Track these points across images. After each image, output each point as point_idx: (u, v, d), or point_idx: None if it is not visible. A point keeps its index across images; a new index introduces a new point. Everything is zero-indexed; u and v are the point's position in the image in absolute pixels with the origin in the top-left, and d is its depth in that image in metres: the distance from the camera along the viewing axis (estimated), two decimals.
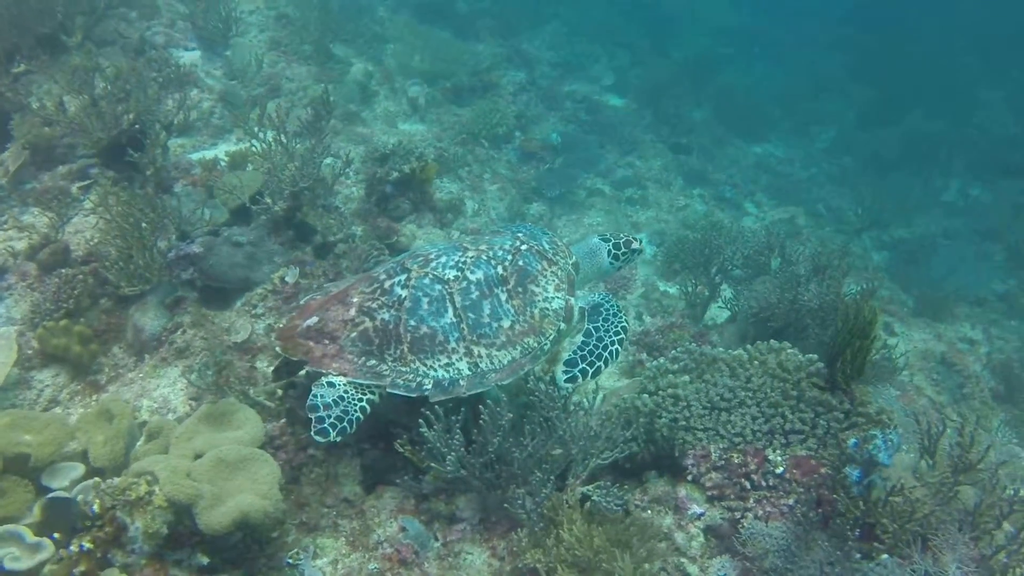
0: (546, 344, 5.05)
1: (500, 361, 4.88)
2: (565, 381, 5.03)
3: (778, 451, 5.44)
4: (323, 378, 4.75)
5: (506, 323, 4.90)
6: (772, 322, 7.47)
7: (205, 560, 4.25)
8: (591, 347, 5.15)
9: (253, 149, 7.50)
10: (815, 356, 5.84)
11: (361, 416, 4.72)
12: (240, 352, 6.20)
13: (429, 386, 4.73)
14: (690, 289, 8.66)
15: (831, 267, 7.77)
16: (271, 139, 7.55)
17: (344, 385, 4.73)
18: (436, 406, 4.67)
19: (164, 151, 7.69)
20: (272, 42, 11.72)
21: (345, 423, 4.63)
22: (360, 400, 4.73)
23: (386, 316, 4.81)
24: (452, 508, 5.36)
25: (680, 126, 15.69)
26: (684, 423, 5.73)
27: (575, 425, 5.05)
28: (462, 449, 4.88)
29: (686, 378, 6.01)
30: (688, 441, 5.67)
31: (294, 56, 11.63)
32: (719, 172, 14.79)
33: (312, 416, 4.60)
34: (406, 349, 4.75)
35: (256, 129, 7.96)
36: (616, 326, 5.24)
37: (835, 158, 17.93)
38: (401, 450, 5.04)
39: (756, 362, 6.00)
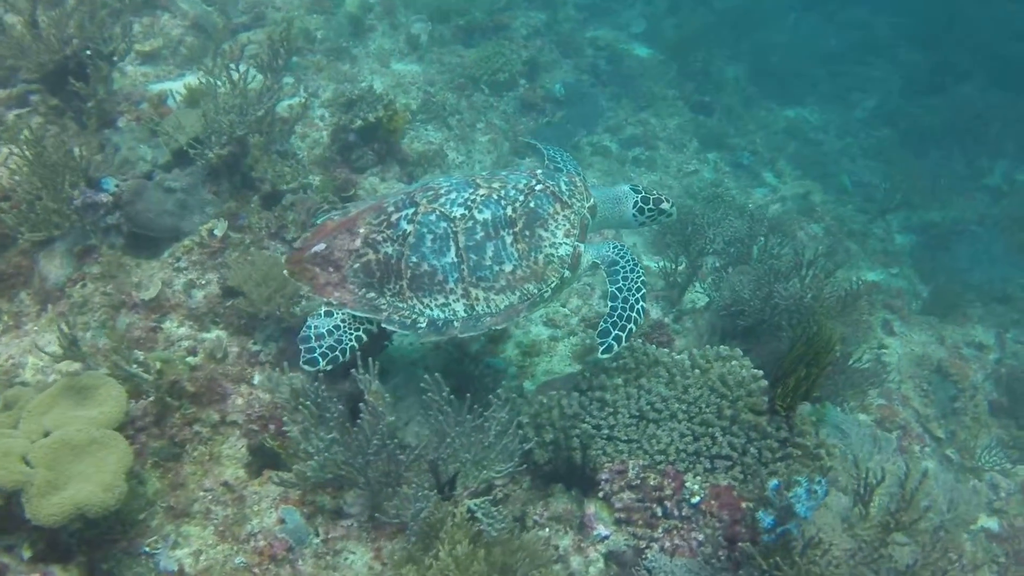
0: (547, 292, 4.98)
1: (497, 305, 4.86)
2: (602, 353, 4.91)
3: (699, 477, 4.92)
4: (321, 308, 4.90)
5: (508, 267, 4.85)
6: (742, 319, 6.84)
7: (27, 554, 3.90)
8: (619, 312, 5.01)
9: (205, 86, 6.99)
10: (760, 373, 5.26)
11: (356, 346, 4.84)
12: (147, 311, 5.81)
13: (423, 324, 4.77)
14: (670, 268, 8.00)
15: (816, 264, 7.04)
16: (221, 77, 7.01)
17: (340, 317, 4.87)
18: (315, 396, 4.55)
19: (107, 82, 7.20)
20: None
21: (338, 352, 4.80)
22: (356, 331, 4.89)
23: (389, 250, 4.80)
24: (339, 502, 4.99)
25: (707, 83, 14.71)
26: (607, 432, 5.24)
27: (465, 432, 4.59)
28: (338, 447, 4.47)
29: (619, 380, 5.48)
30: (608, 453, 5.18)
31: None
32: (740, 136, 13.88)
33: (303, 347, 4.76)
34: (405, 285, 4.78)
35: (210, 64, 7.43)
36: (637, 281, 5.11)
37: (874, 129, 16.79)
38: (270, 444, 4.64)
39: (698, 371, 5.44)
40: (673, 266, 8.08)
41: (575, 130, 10.87)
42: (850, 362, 7.15)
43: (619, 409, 5.30)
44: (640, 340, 5.64)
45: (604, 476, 5.06)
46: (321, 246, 4.95)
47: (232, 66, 7.24)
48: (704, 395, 5.27)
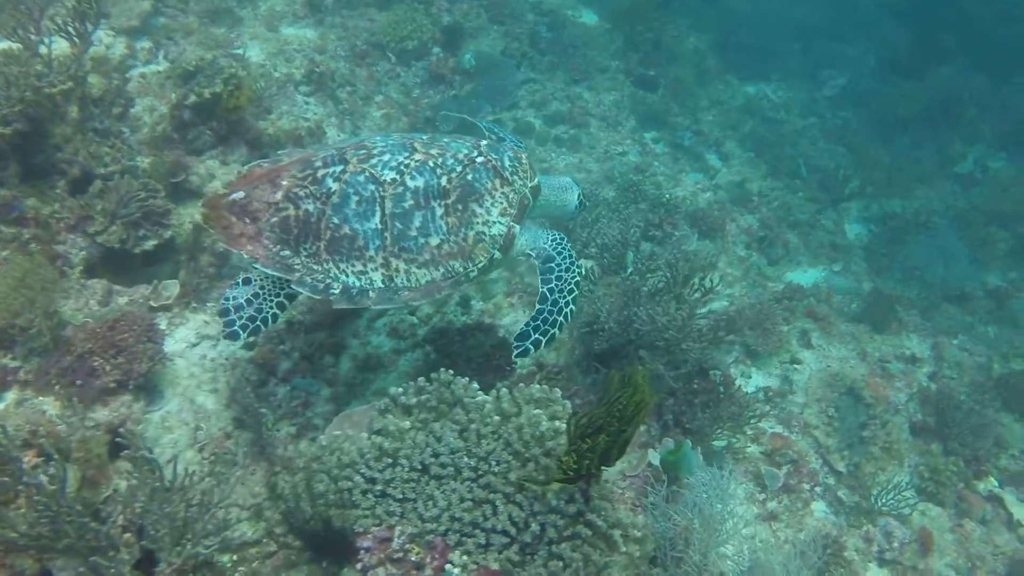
0: (473, 271, 4.77)
1: (417, 280, 4.66)
2: (516, 356, 4.82)
3: (467, 556, 4.03)
4: (239, 277, 4.84)
5: (434, 240, 4.64)
6: (598, 342, 5.93)
7: None
8: (544, 315, 4.89)
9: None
10: (561, 427, 4.35)
11: (279, 312, 4.78)
12: None
13: (336, 290, 4.56)
14: None
15: (693, 281, 6.09)
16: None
17: (259, 283, 4.76)
18: None
19: None
20: None
21: (259, 322, 4.71)
22: (277, 297, 4.77)
23: (310, 207, 4.55)
24: (45, 565, 4.13)
25: (657, 55, 13.58)
26: (382, 487, 4.36)
27: (157, 499, 3.72)
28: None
29: (407, 423, 4.59)
30: (376, 514, 4.31)
31: None
32: (685, 115, 12.80)
33: (222, 321, 4.70)
34: (323, 247, 4.54)
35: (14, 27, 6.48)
36: (571, 283, 4.96)
37: (841, 109, 15.67)
38: None
39: (498, 417, 4.53)
40: None
41: (481, 105, 9.84)
42: (729, 391, 6.23)
43: (400, 460, 4.42)
44: (465, 377, 4.72)
45: (365, 544, 4.19)
46: (240, 194, 4.61)
47: (31, 29, 6.28)
48: (497, 450, 4.38)
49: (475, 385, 4.80)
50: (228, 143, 7.28)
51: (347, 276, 4.58)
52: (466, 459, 4.37)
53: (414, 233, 4.60)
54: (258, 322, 4.71)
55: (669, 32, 14.73)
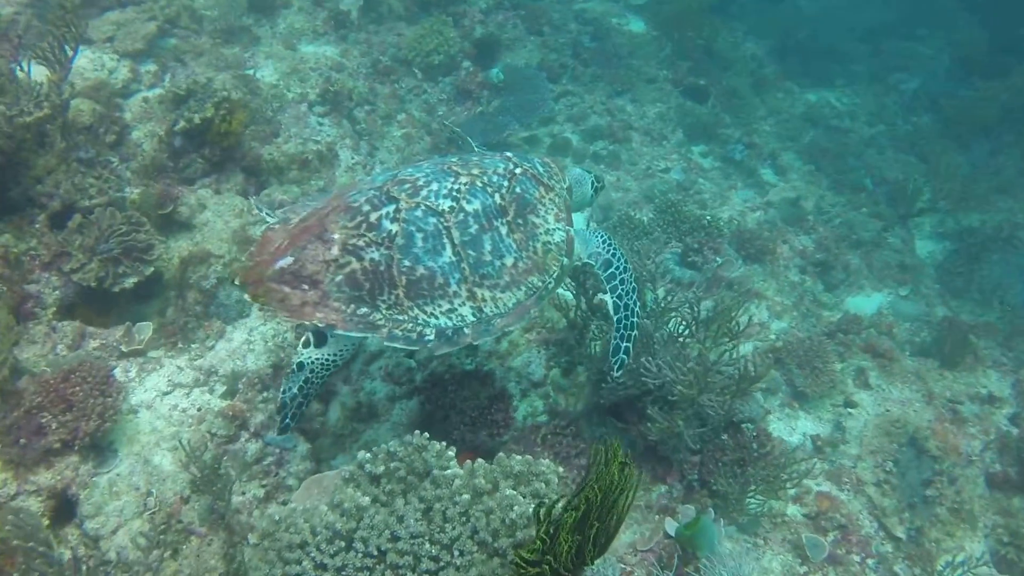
0: (551, 282, 4.58)
1: (505, 304, 4.41)
2: (617, 370, 4.72)
3: None
4: (293, 360, 4.60)
5: (509, 260, 4.44)
6: (603, 394, 5.22)
7: None
8: (624, 322, 4.78)
9: None
10: (530, 512, 3.68)
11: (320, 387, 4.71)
12: None
13: (431, 336, 4.22)
14: (576, 303, 6.29)
15: (719, 322, 5.32)
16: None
17: (311, 362, 4.54)
18: None
19: None
20: None
21: (304, 406, 4.64)
22: (324, 377, 4.64)
23: (375, 255, 4.21)
24: None
25: (708, 63, 12.73)
26: None
27: None
28: None
29: (366, 500, 3.99)
30: None
31: None
32: (738, 126, 11.92)
33: (279, 414, 4.57)
34: (402, 294, 4.21)
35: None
36: (631, 282, 4.86)
37: (912, 114, 14.49)
38: None
39: (467, 496, 3.89)
40: (575, 301, 6.39)
41: (507, 122, 9.20)
42: (765, 449, 5.43)
43: (355, 543, 3.82)
44: (441, 442, 4.12)
45: None
46: (287, 260, 4.18)
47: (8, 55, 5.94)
48: (462, 538, 3.73)
49: (451, 453, 4.18)
50: (223, 170, 6.85)
51: (437, 318, 4.24)
52: (428, 546, 3.74)
53: (489, 257, 4.37)
54: (304, 407, 4.64)
55: (723, 38, 13.88)
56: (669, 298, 5.59)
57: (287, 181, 7.35)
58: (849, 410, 7.17)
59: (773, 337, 7.82)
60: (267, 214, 4.85)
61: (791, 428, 6.92)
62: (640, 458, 5.60)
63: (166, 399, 5.39)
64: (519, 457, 4.06)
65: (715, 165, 11.23)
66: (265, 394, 5.73)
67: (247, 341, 6.14)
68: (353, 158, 8.32)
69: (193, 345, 6.03)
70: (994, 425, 7.73)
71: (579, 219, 7.35)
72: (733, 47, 14.08)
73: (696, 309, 5.32)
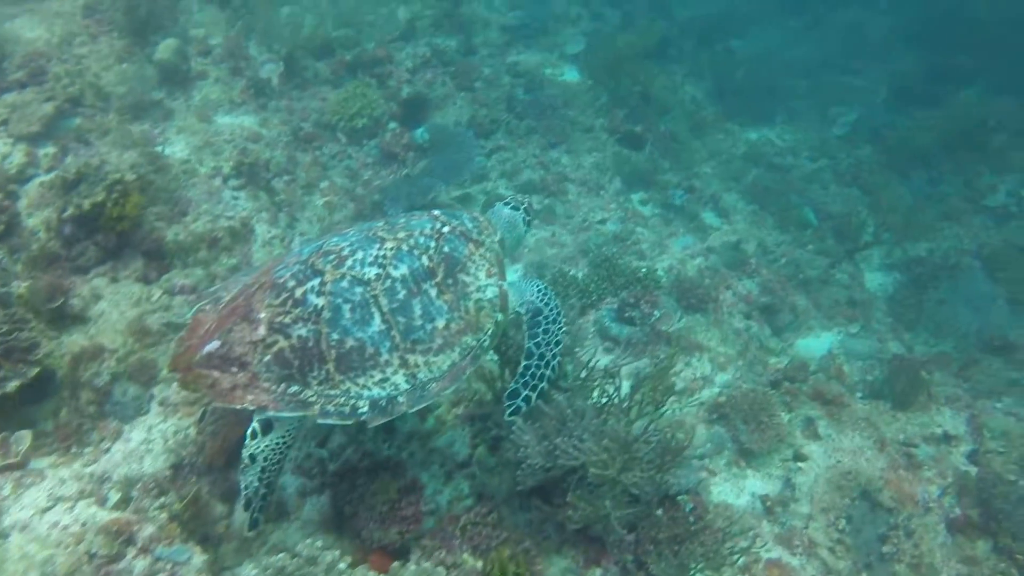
0: (485, 340, 4.53)
1: (440, 367, 4.35)
2: (509, 415, 4.56)
3: None
4: (244, 453, 4.36)
5: (440, 323, 4.39)
6: (521, 479, 4.83)
7: None
8: (532, 369, 4.62)
9: None
10: None
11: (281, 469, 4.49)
12: None
13: (365, 408, 4.16)
14: (500, 374, 5.90)
15: (643, 390, 4.98)
16: None
17: (262, 451, 4.32)
18: None
19: None
20: (87, 8, 9.42)
21: (269, 497, 4.50)
22: (279, 463, 4.43)
23: (303, 332, 4.18)
24: None
25: (646, 109, 12.61)
26: None
27: None
28: None
29: None
30: None
31: (109, 27, 9.32)
32: (678, 171, 11.76)
33: (246, 511, 4.42)
34: (332, 368, 4.17)
35: None
36: (558, 334, 4.73)
37: (854, 147, 14.48)
38: None
39: None
40: (499, 372, 6.01)
41: (433, 183, 8.92)
42: (703, 522, 5.05)
43: None
44: (335, 551, 3.70)
45: None
46: (215, 344, 4.19)
47: None
48: None
49: (342, 565, 3.76)
50: (120, 256, 6.46)
51: (370, 389, 4.19)
52: None
53: (419, 322, 4.32)
54: (268, 497, 4.49)
55: (660, 83, 13.82)
56: (590, 367, 5.23)
57: (195, 262, 6.96)
58: (799, 464, 6.83)
59: (716, 391, 7.49)
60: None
61: (738, 489, 6.56)
62: (571, 541, 5.20)
63: (45, 516, 4.91)
64: (414, 567, 3.66)
65: (655, 212, 11.02)
66: (163, 499, 5.28)
67: (146, 441, 5.70)
68: (270, 231, 7.96)
69: (87, 449, 5.58)
70: (951, 466, 7.44)
71: (513, 274, 7.09)
72: (671, 92, 14.03)
73: (617, 379, 4.97)
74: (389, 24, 12.28)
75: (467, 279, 4.55)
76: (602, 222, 9.94)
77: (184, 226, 7.25)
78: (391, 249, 4.44)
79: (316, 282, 4.27)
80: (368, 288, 4.28)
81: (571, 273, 8.48)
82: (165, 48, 9.03)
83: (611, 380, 5.01)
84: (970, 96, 15.05)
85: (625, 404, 4.92)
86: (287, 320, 4.19)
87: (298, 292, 4.26)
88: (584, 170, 10.99)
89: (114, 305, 6.19)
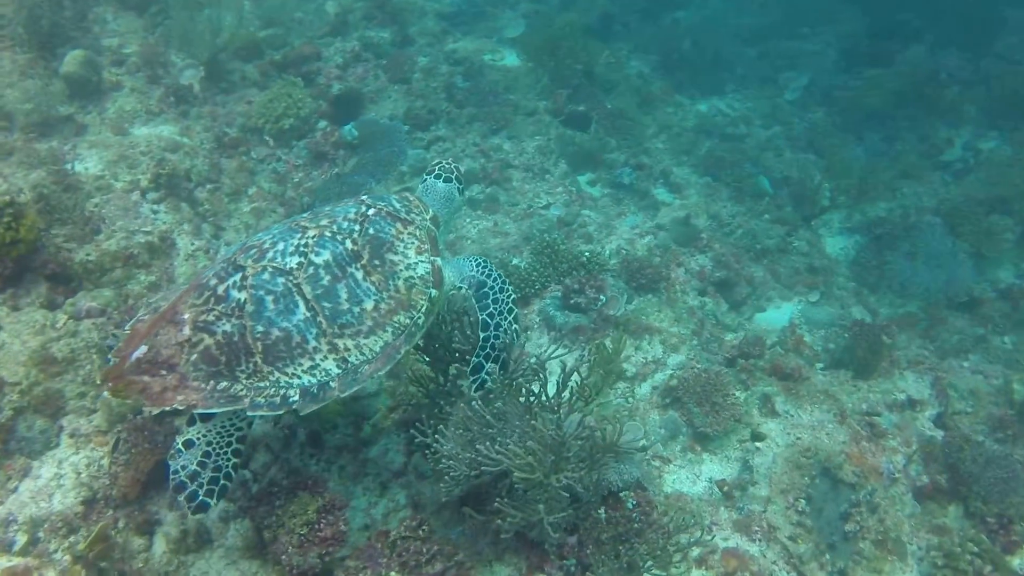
0: (419, 317, 4.49)
1: (371, 349, 4.32)
2: (475, 390, 4.62)
3: None
4: (176, 441, 4.33)
5: (369, 304, 4.35)
6: (445, 486, 4.49)
7: None
8: (492, 340, 4.72)
9: None
10: None
11: (237, 461, 4.39)
12: None
13: (295, 397, 4.16)
14: (434, 375, 5.53)
15: (580, 389, 4.64)
16: None
17: (203, 439, 4.32)
18: None
19: None
20: None
21: (223, 480, 4.32)
22: (229, 444, 4.36)
23: (227, 327, 4.17)
24: None
25: (591, 87, 12.26)
26: None
27: None
28: None
29: None
30: None
31: (11, 42, 8.85)
32: (625, 149, 11.43)
33: (181, 497, 4.25)
34: (260, 360, 4.15)
35: None
36: (508, 302, 4.80)
37: (807, 111, 14.22)
38: None
39: None
40: (432, 373, 5.66)
41: (365, 181, 8.54)
42: (649, 519, 4.75)
43: None
44: None
45: None
46: (142, 349, 4.19)
47: None
48: None
49: None
50: (20, 283, 6.05)
51: (300, 377, 4.17)
52: None
53: (346, 306, 4.28)
54: (222, 481, 4.30)
55: (605, 60, 13.49)
56: (518, 362, 4.90)
57: (107, 283, 6.56)
58: (756, 444, 6.55)
59: (669, 374, 7.19)
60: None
61: (695, 476, 6.27)
62: (512, 548, 4.88)
63: None
64: None
65: (605, 192, 10.70)
66: (72, 538, 4.93)
67: (56, 476, 5.35)
68: (193, 244, 7.57)
69: None
70: (916, 432, 7.20)
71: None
72: (616, 68, 13.69)
73: (542, 375, 4.64)
74: (318, 20, 11.86)
75: (395, 258, 4.50)
76: (546, 207, 9.59)
77: (96, 245, 6.85)
78: (313, 237, 4.39)
79: (237, 277, 4.25)
80: (290, 277, 4.24)
81: (513, 262, 8.14)
82: (72, 60, 8.58)
83: (537, 377, 4.67)
84: (918, 52, 14.84)
85: (552, 401, 4.58)
86: (211, 318, 4.17)
87: (220, 289, 4.24)
88: (528, 155, 10.64)
89: (14, 335, 5.78)
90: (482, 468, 4.24)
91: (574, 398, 4.61)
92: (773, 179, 11.98)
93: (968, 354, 9.28)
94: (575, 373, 4.62)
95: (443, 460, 4.35)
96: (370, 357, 4.31)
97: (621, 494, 4.93)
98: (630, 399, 7.00)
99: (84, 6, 9.93)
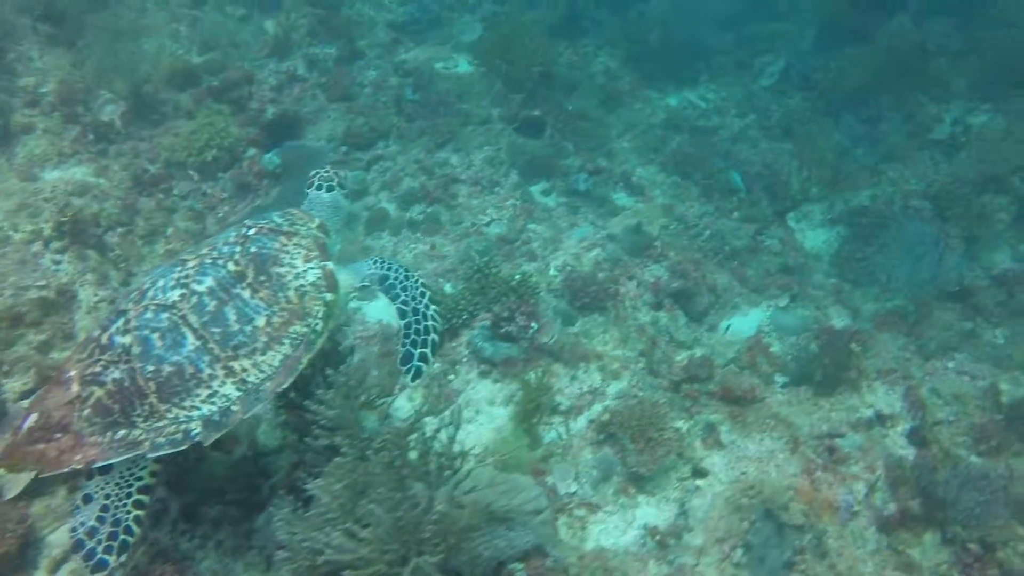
0: (317, 324, 4.43)
1: (270, 365, 4.24)
2: (412, 380, 4.70)
3: None
4: (77, 498, 4.19)
5: (260, 321, 4.27)
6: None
7: None
8: (415, 326, 4.76)
9: None
10: None
11: (139, 514, 4.18)
12: None
13: (198, 429, 4.07)
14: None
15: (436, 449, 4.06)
16: None
17: (101, 489, 4.15)
18: None
19: None
20: None
21: (122, 535, 4.11)
22: (129, 496, 4.18)
23: (117, 374, 4.09)
24: None
25: (549, 89, 11.63)
26: None
27: None
28: None
29: None
30: None
31: None
32: (583, 153, 10.81)
33: (79, 555, 4.06)
34: (155, 400, 4.06)
35: None
36: (418, 287, 4.88)
37: (785, 97, 13.48)
38: None
39: None
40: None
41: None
42: None
43: None
44: None
45: None
46: (32, 417, 4.15)
47: None
48: None
49: None
50: None
51: (199, 409, 4.11)
52: None
53: (236, 327, 4.22)
54: (122, 536, 4.09)
55: (565, 59, 12.89)
56: (391, 418, 4.35)
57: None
58: (697, 483, 5.92)
59: (607, 404, 6.58)
60: None
61: (626, 523, 5.67)
62: None
63: None
64: None
65: (561, 201, 10.11)
66: None
67: None
68: (97, 295, 7.11)
69: None
70: (884, 453, 6.53)
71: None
72: (579, 66, 13.08)
73: (402, 441, 4.06)
74: (256, 41, 11.39)
75: (282, 270, 4.45)
76: (488, 224, 9.01)
77: None
78: (193, 267, 4.35)
79: (120, 322, 4.22)
80: (174, 311, 4.18)
81: (446, 289, 7.59)
82: None
83: (397, 443, 4.09)
84: (902, 23, 13.98)
85: (412, 471, 4.02)
86: (97, 369, 4.13)
87: (104, 338, 4.21)
88: (476, 168, 10.07)
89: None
90: (319, 560, 3.68)
91: (437, 467, 4.03)
92: (747, 173, 11.30)
93: (955, 353, 8.59)
94: (444, 429, 4.03)
95: (278, 554, 3.80)
96: (270, 373, 4.24)
97: (510, 566, 4.36)
98: (563, 436, 6.41)
99: (5, 44, 9.54)
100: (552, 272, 8.10)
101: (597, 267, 8.21)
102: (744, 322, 8.69)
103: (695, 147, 11.81)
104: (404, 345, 4.71)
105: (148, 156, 8.93)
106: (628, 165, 11.04)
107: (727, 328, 8.19)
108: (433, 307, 4.84)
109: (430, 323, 4.76)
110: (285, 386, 4.28)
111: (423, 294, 4.86)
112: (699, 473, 6.01)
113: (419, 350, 4.69)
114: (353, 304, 7.85)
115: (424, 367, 4.65)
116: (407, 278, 4.88)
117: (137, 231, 7.95)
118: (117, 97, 9.35)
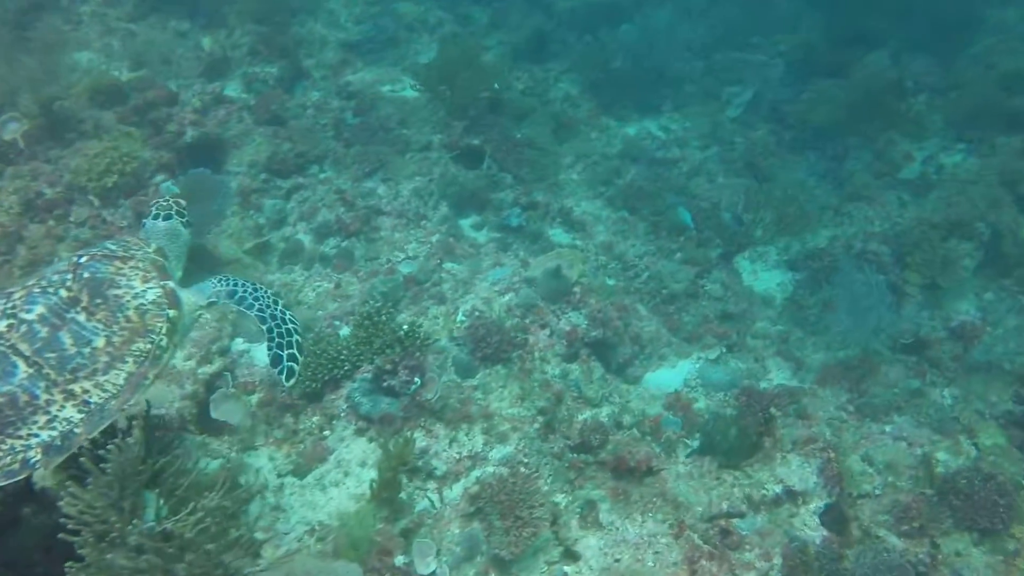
0: (161, 340, 4.39)
1: (114, 384, 4.18)
2: (286, 380, 4.80)
3: None
4: None
5: (99, 342, 4.22)
6: None
7: None
8: (277, 330, 4.83)
9: None
10: None
11: None
12: None
13: (37, 457, 3.92)
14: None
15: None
16: None
17: None
18: None
19: None
20: None
21: None
22: None
23: None
24: None
25: (489, 117, 11.13)
26: None
27: None
28: None
29: None
30: None
31: None
32: (520, 185, 10.28)
33: None
34: None
35: None
36: (268, 296, 4.94)
37: (750, 129, 12.91)
38: None
39: None
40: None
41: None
42: None
43: None
44: None
45: None
46: None
47: None
48: None
49: None
50: None
51: (38, 436, 3.96)
52: None
53: (73, 350, 4.14)
54: None
55: (523, 83, 12.42)
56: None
57: None
58: (565, 570, 5.34)
59: (488, 471, 6.02)
60: None
61: None
62: None
63: None
64: None
65: (493, 237, 9.58)
66: None
67: None
68: None
69: None
70: (785, 538, 5.92)
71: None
72: (535, 91, 12.60)
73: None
74: (193, 59, 10.96)
75: (120, 291, 4.39)
76: (401, 262, 8.49)
77: None
78: (20, 297, 4.25)
79: None
80: (1, 341, 4.07)
81: (341, 333, 7.08)
82: None
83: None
84: (880, 58, 13.43)
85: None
86: None
87: None
88: (403, 199, 9.56)
89: None
90: None
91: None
92: (699, 210, 10.75)
93: (895, 414, 8.00)
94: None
95: None
96: (115, 392, 4.18)
97: None
98: (436, 505, 5.86)
99: None
100: (460, 317, 7.58)
101: (509, 313, 7.67)
102: (669, 375, 8.13)
103: (649, 180, 11.29)
104: (271, 349, 4.79)
105: (48, 179, 8.48)
106: (572, 199, 10.51)
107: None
108: (289, 312, 4.92)
109: (290, 326, 4.85)
110: (132, 403, 4.22)
111: (276, 302, 4.93)
112: (571, 557, 5.43)
113: (287, 351, 4.77)
114: (241, 346, 7.36)
115: (296, 366, 4.76)
116: (256, 289, 4.93)
117: (17, 260, 7.47)
118: (22, 115, 8.90)
